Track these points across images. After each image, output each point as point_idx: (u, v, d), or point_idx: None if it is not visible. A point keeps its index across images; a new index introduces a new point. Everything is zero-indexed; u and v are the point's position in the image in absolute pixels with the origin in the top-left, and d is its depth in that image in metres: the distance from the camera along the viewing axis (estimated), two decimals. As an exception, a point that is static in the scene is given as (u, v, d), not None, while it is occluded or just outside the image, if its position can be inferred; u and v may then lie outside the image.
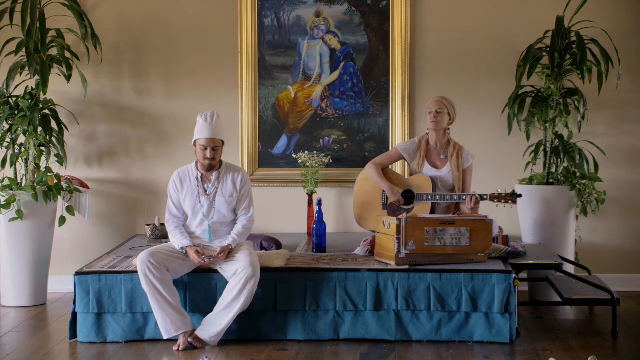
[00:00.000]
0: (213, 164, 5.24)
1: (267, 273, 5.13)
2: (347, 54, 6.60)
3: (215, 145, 5.20)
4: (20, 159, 6.23)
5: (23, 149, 6.20)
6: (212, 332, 5.02)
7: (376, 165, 5.82)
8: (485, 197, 5.51)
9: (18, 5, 6.17)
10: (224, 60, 6.62)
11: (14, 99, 6.22)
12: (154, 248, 5.13)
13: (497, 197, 5.47)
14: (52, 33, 6.30)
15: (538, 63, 6.26)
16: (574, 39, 6.08)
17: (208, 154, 5.20)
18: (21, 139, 6.23)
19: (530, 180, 6.23)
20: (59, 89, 6.50)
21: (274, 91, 6.63)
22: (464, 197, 5.53)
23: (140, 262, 4.99)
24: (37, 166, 6.19)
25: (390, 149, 6.43)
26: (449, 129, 5.76)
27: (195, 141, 5.24)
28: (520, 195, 5.49)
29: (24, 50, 6.11)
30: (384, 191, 5.78)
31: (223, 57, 6.62)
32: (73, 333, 5.20)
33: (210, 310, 5.08)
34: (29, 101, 6.15)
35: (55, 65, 6.29)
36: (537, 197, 6.12)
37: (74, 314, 5.18)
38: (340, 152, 6.64)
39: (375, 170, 5.80)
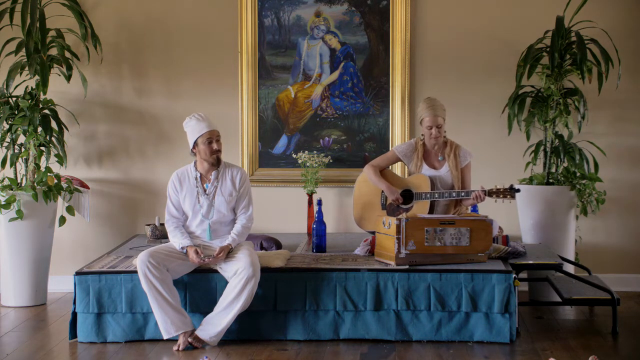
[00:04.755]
0: (220, 156, 5.24)
1: (267, 273, 5.13)
2: (347, 54, 6.60)
3: (218, 137, 5.21)
4: (20, 159, 6.23)
5: (23, 149, 6.20)
6: (212, 332, 5.02)
7: (374, 167, 5.83)
8: (462, 194, 5.52)
9: (18, 5, 6.17)
10: (224, 60, 6.62)
11: (14, 99, 6.22)
12: (153, 248, 5.13)
13: (495, 193, 5.46)
14: (52, 33, 6.30)
15: (538, 63, 6.26)
16: (574, 39, 6.08)
17: (215, 145, 5.20)
18: (21, 139, 6.23)
19: (530, 180, 6.23)
20: (59, 89, 6.50)
21: (274, 91, 6.63)
22: (462, 194, 5.52)
23: (140, 262, 4.99)
24: (37, 166, 6.19)
25: (390, 149, 6.43)
26: (445, 131, 5.75)
27: (196, 142, 5.23)
28: (518, 190, 5.47)
29: (24, 50, 6.11)
30: (382, 191, 5.79)
31: (223, 57, 6.62)
32: (73, 333, 5.20)
33: (210, 310, 5.08)
34: (29, 101, 6.15)
35: (55, 65, 6.29)
36: (537, 197, 6.12)
37: (74, 314, 5.18)
38: (340, 152, 6.64)
39: (373, 171, 5.81)
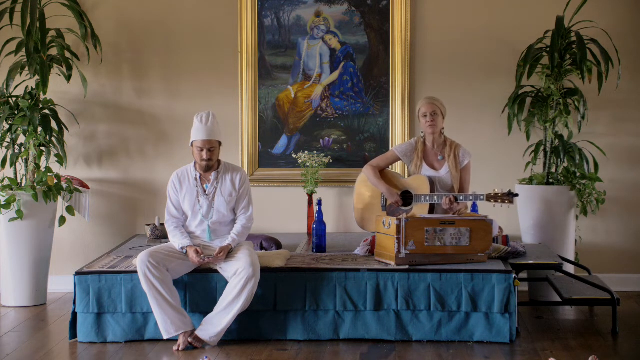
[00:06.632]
0: (210, 165, 5.25)
1: (267, 273, 5.13)
2: (347, 54, 6.60)
3: (211, 147, 5.21)
4: (20, 159, 6.23)
5: (23, 149, 6.20)
6: (212, 332, 5.02)
7: (373, 167, 5.83)
8: (460, 197, 5.50)
9: (18, 5, 6.17)
10: (224, 60, 6.62)
11: (14, 99, 6.22)
12: (153, 248, 5.13)
13: (493, 197, 5.46)
14: (52, 33, 6.31)
15: (538, 63, 6.26)
16: (574, 39, 6.08)
17: (204, 155, 5.21)
18: (21, 139, 6.23)
19: (530, 180, 6.23)
20: (59, 89, 6.51)
21: (274, 91, 6.63)
22: (461, 197, 5.52)
23: (139, 262, 5.00)
24: (37, 166, 6.19)
25: (390, 149, 6.43)
26: (443, 128, 5.76)
27: (192, 142, 5.25)
28: (516, 195, 5.46)
29: (24, 50, 6.11)
30: (382, 193, 5.79)
31: (223, 57, 6.62)
32: (73, 333, 5.20)
33: (210, 310, 5.08)
34: (29, 101, 6.15)
35: (55, 65, 6.30)
36: (537, 197, 6.12)
37: (74, 314, 5.18)
38: (340, 152, 6.64)
39: (372, 172, 5.81)
